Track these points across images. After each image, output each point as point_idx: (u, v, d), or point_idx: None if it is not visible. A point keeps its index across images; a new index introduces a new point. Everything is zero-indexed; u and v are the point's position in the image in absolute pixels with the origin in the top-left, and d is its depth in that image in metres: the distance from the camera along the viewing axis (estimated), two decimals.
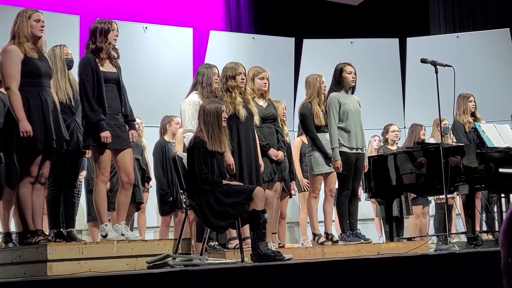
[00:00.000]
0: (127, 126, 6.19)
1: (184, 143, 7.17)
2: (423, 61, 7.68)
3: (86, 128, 5.99)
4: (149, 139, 9.61)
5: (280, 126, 7.68)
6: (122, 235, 5.94)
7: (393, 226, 8.37)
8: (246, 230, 6.25)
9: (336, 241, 7.63)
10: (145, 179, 9.07)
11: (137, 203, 8.36)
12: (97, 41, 6.06)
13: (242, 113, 6.80)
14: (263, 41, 12.63)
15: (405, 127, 11.97)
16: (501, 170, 7.35)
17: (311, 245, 7.95)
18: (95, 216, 7.07)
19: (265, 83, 7.35)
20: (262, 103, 7.34)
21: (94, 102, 5.91)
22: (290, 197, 9.13)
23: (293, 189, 9.07)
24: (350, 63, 7.85)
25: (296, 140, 9.40)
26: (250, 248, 5.87)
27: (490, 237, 8.51)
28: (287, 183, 8.29)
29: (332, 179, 7.74)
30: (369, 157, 8.25)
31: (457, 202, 9.83)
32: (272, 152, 7.20)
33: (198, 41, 12.22)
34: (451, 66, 7.33)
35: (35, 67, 5.67)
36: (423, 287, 4.99)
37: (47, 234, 5.95)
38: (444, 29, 14.41)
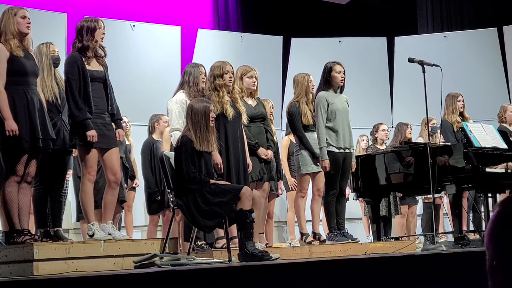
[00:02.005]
0: (113, 125, 6.17)
1: (171, 142, 7.15)
2: (411, 60, 7.69)
3: (72, 127, 5.97)
4: (137, 137, 9.59)
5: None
6: (109, 234, 5.92)
7: (380, 225, 8.37)
8: (234, 229, 6.24)
9: (324, 241, 7.63)
10: (129, 176, 9.02)
11: (120, 202, 8.31)
12: (83, 40, 6.04)
13: (230, 112, 6.78)
14: (251, 40, 12.62)
15: (392, 127, 11.94)
16: (488, 170, 7.36)
17: (299, 245, 7.95)
18: None
19: (253, 82, 7.35)
20: (251, 102, 7.34)
21: (80, 100, 5.89)
22: (277, 196, 9.12)
23: (280, 188, 9.07)
24: (339, 62, 7.83)
25: (284, 139, 9.39)
26: (237, 248, 5.86)
27: (477, 236, 8.53)
28: (274, 183, 8.28)
29: (320, 179, 7.73)
30: (357, 157, 8.25)
31: (445, 202, 9.85)
32: (261, 151, 7.20)
33: (186, 39, 12.20)
34: (438, 65, 7.34)
35: (21, 65, 5.65)
36: (410, 286, 4.99)
37: (34, 233, 5.92)
38: (432, 29, 14.43)
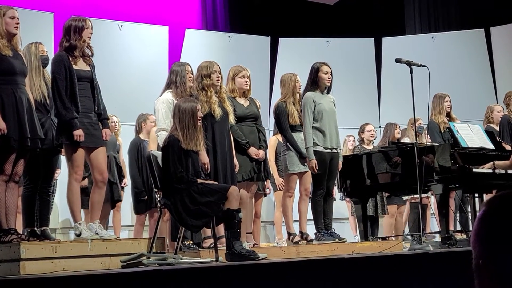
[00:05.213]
0: (100, 124, 6.16)
1: (157, 142, 7.14)
2: (398, 61, 7.70)
3: (59, 126, 5.97)
4: (125, 137, 9.57)
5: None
6: (96, 234, 5.91)
7: (367, 225, 8.39)
8: (221, 229, 6.24)
9: (311, 240, 7.64)
10: (120, 177, 9.03)
11: (115, 201, 8.30)
12: (71, 39, 6.04)
13: (218, 112, 6.79)
14: (239, 40, 12.63)
15: (380, 127, 12.00)
16: (474, 170, 7.39)
17: (286, 244, 7.95)
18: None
19: (245, 82, 7.36)
20: (243, 102, 7.35)
21: (67, 100, 5.89)
22: (265, 196, 9.12)
23: (268, 187, 9.07)
24: (326, 63, 7.84)
25: (272, 139, 9.39)
26: (225, 247, 5.86)
27: (464, 236, 8.55)
28: (262, 182, 8.28)
29: (307, 179, 7.74)
30: (344, 157, 8.26)
31: (432, 202, 9.88)
32: (252, 150, 7.20)
33: (174, 39, 12.19)
34: (425, 66, 7.36)
35: (9, 65, 5.64)
36: (397, 286, 5.01)
37: (21, 232, 5.91)
38: (420, 29, 14.47)
